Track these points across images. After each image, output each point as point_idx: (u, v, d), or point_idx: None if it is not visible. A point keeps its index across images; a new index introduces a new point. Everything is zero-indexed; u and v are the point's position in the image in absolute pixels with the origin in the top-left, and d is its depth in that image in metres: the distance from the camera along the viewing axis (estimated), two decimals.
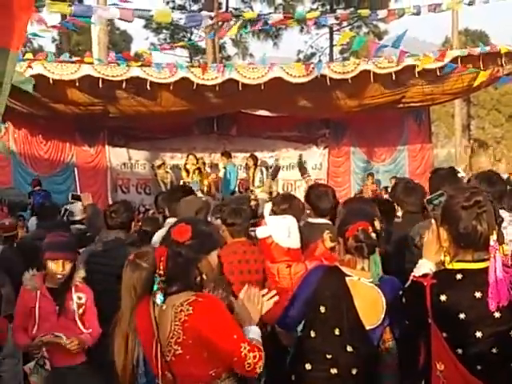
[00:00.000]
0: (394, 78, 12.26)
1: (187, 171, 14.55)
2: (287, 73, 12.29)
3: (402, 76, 12.49)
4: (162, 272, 2.93)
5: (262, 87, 12.12)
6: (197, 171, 14.47)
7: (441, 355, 2.85)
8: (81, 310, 4.64)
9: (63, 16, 9.88)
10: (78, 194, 8.11)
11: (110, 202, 14.09)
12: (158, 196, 7.22)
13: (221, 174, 15.40)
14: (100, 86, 11.72)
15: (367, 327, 3.45)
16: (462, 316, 2.75)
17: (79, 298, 4.64)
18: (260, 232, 4.56)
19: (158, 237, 5.34)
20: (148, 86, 11.94)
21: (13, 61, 5.08)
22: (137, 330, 3.03)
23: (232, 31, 13.39)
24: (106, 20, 16.19)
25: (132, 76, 11.88)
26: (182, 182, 14.17)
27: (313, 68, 12.26)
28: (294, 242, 4.48)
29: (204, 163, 15.32)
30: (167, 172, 14.92)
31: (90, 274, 5.01)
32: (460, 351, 2.77)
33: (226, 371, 2.97)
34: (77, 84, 11.74)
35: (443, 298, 2.79)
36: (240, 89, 12.17)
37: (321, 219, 5.21)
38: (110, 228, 5.40)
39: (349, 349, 3.44)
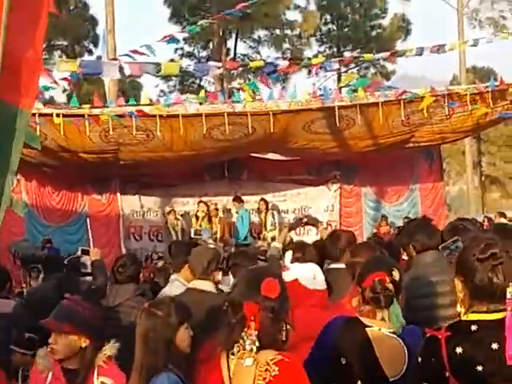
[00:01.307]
0: (403, 118, 12.31)
1: (197, 218, 14.58)
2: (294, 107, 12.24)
3: (411, 116, 12.53)
4: (255, 330, 2.81)
5: (272, 129, 12.10)
6: (206, 218, 14.48)
7: None
8: None
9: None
10: (87, 248, 8.10)
11: (123, 250, 14.14)
12: (170, 246, 7.24)
13: (234, 219, 15.44)
14: (110, 128, 11.65)
15: (390, 379, 3.37)
16: (479, 368, 2.67)
17: None
18: (285, 275, 4.49)
19: (165, 292, 5.34)
20: (158, 132, 11.91)
21: (25, 119, 5.16)
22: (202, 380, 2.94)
23: (240, 80, 13.44)
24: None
25: (142, 120, 11.82)
26: (192, 230, 14.18)
27: (321, 95, 12.18)
28: (319, 283, 4.46)
29: (217, 209, 15.32)
30: (177, 219, 14.92)
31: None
32: None
33: None
34: (87, 128, 11.65)
35: (459, 350, 2.71)
36: (250, 131, 12.19)
37: (337, 264, 5.21)
38: (118, 282, 5.46)
39: None
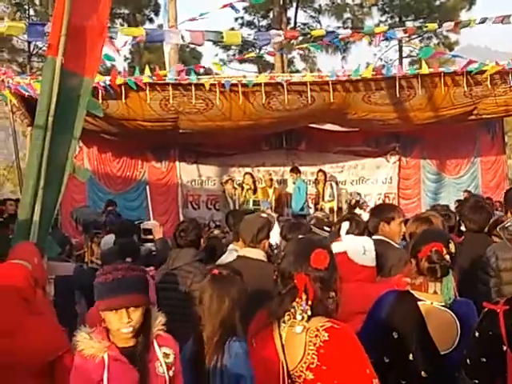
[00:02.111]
0: (465, 90, 12.08)
1: (242, 189, 14.65)
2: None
3: (474, 89, 12.27)
4: (307, 300, 2.91)
5: (331, 99, 12.04)
6: (250, 190, 14.53)
7: None
8: (171, 373, 3.28)
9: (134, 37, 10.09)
10: (149, 227, 8.24)
11: (181, 218, 14.30)
12: (227, 215, 7.34)
13: (290, 190, 15.46)
14: (170, 97, 11.76)
15: (442, 352, 3.38)
16: None
17: (166, 356, 3.26)
18: (335, 246, 4.50)
19: (222, 261, 5.41)
20: (217, 101, 11.99)
21: (88, 87, 5.27)
22: (253, 356, 3.03)
23: (301, 46, 13.34)
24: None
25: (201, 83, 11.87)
26: (251, 200, 14.26)
27: (382, 66, 12.01)
28: (368, 259, 4.44)
29: (271, 179, 15.37)
30: (235, 188, 15.01)
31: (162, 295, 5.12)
32: None
33: None
34: (148, 97, 11.78)
35: None
36: (309, 101, 12.13)
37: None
38: (179, 246, 5.54)
39: (423, 374, 3.37)
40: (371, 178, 16.31)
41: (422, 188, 16.49)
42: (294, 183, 15.15)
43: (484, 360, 2.92)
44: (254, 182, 14.81)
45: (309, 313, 2.90)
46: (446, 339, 3.38)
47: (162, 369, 3.20)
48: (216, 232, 9.79)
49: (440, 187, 16.39)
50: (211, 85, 11.57)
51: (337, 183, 15.84)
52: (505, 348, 2.80)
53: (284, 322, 2.97)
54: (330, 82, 11.92)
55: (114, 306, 3.17)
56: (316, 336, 2.85)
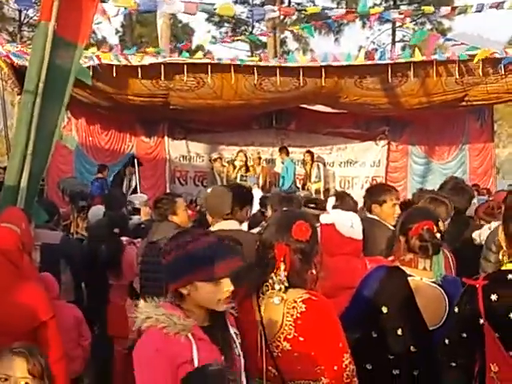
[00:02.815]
0: (457, 77, 12.10)
1: (234, 167, 14.64)
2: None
3: (465, 75, 12.29)
4: (285, 271, 2.89)
5: (323, 82, 12.06)
6: (243, 168, 14.54)
7: (495, 357, 2.85)
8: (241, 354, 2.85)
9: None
10: (139, 207, 8.25)
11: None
12: None
13: (278, 169, 15.46)
14: (162, 74, 11.77)
15: (430, 328, 3.41)
16: None
17: (237, 337, 2.82)
18: (323, 218, 4.48)
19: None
20: (209, 79, 12.01)
21: (79, 53, 5.23)
22: (238, 321, 2.92)
23: (294, 26, 13.33)
24: (169, 13, 16.33)
25: (194, 62, 11.92)
26: (238, 175, 14.29)
27: (374, 50, 12.08)
28: (356, 232, 4.44)
29: (259, 157, 15.37)
30: (223, 166, 15.02)
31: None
32: None
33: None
34: (139, 74, 11.80)
35: (494, 297, 2.82)
36: (301, 84, 12.13)
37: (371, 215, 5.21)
38: (159, 220, 5.53)
39: (412, 349, 3.41)
40: (359, 161, 16.33)
41: (409, 172, 16.53)
42: (283, 163, 15.15)
43: (464, 335, 2.97)
44: (247, 161, 14.79)
45: (286, 283, 2.89)
46: (435, 315, 3.41)
47: (237, 351, 2.78)
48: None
49: (427, 172, 16.45)
50: (202, 64, 11.60)
51: (324, 164, 15.86)
52: (481, 321, 2.85)
53: (263, 292, 2.98)
54: (323, 68, 11.94)
55: (230, 268, 2.64)
56: (293, 307, 2.87)
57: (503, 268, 2.92)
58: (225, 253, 2.66)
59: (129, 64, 11.59)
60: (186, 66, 11.69)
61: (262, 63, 12.00)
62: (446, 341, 3.08)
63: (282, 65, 11.95)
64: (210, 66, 11.78)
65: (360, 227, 4.48)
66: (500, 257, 3.04)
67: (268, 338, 2.91)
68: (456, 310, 3.02)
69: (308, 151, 15.42)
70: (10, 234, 3.72)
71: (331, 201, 5.35)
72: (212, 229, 4.89)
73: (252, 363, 2.88)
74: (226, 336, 2.76)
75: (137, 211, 8.19)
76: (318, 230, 3.23)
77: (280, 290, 2.90)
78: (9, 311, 3.42)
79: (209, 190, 5.35)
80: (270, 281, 2.93)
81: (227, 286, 2.63)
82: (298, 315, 2.85)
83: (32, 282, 3.73)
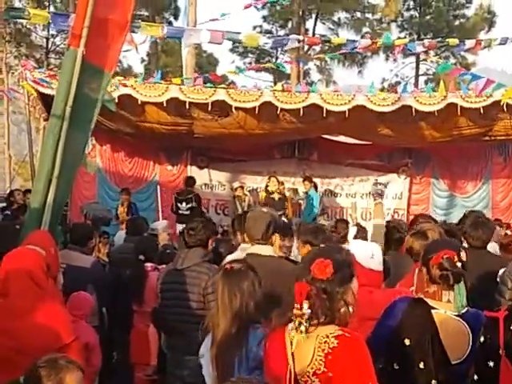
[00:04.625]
0: (481, 112, 12.08)
1: (268, 193, 14.60)
2: (371, 101, 12.26)
3: (489, 111, 12.27)
4: (300, 308, 2.88)
5: (346, 114, 12.14)
6: (277, 193, 14.49)
7: None
8: None
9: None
10: (156, 233, 8.31)
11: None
12: (234, 219, 7.34)
13: (298, 199, 15.43)
14: (186, 108, 12.02)
15: (453, 362, 3.35)
16: None
17: None
18: None
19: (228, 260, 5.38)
20: (233, 110, 12.17)
21: (106, 80, 5.31)
22: (265, 355, 3.02)
23: (319, 57, 13.41)
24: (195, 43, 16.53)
25: (218, 99, 12.11)
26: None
27: (398, 98, 12.18)
28: (376, 264, 4.42)
29: (281, 187, 15.35)
30: (245, 194, 15.03)
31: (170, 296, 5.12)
32: None
33: None
34: (164, 105, 12.07)
35: None
36: (324, 115, 12.20)
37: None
38: (188, 246, 5.35)
39: (433, 383, 3.36)
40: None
41: (431, 205, 16.44)
42: (306, 193, 15.10)
43: (491, 365, 2.94)
44: (279, 186, 14.72)
45: (305, 323, 2.87)
46: (458, 349, 3.36)
47: None
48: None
49: (449, 206, 16.33)
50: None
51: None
52: (501, 352, 2.83)
53: (293, 326, 2.95)
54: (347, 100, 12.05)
55: None
56: (325, 342, 2.84)
57: None
58: None
59: (152, 98, 11.84)
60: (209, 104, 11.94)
61: (283, 105, 12.10)
62: (475, 377, 3.05)
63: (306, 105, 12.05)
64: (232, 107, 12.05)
65: (381, 258, 4.47)
66: None
67: (297, 371, 2.88)
68: (482, 339, 3.00)
69: (307, 178, 15.39)
70: (36, 256, 3.77)
71: (353, 231, 5.35)
72: (247, 251, 4.95)
73: None
74: None
75: (155, 237, 8.22)
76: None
77: (300, 325, 2.88)
78: (31, 332, 3.44)
79: (250, 214, 5.35)
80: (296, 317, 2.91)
81: None
82: (329, 350, 2.82)
83: (56, 304, 3.76)
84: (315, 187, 15.07)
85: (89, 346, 5.11)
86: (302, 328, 2.86)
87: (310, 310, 2.86)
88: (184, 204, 13.89)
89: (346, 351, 2.80)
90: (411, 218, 15.42)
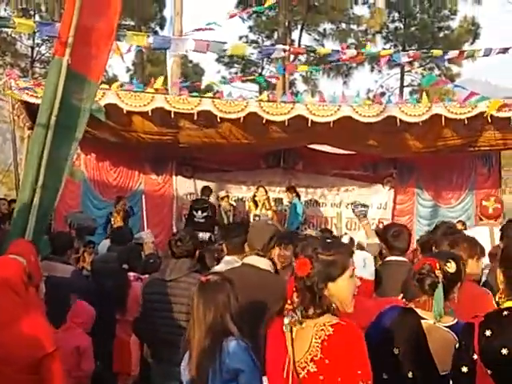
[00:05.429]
0: (466, 123, 12.16)
1: (256, 203, 14.63)
2: (357, 112, 12.30)
3: (474, 122, 12.34)
4: (290, 301, 3.14)
5: (331, 125, 12.17)
6: (267, 203, 14.53)
7: None
8: None
9: (138, 45, 10.17)
10: (141, 242, 8.31)
11: (175, 231, 14.29)
12: (225, 228, 7.36)
13: (284, 209, 15.46)
14: (172, 117, 12.03)
15: (441, 372, 3.37)
16: (504, 351, 2.78)
17: None
18: None
19: (220, 269, 5.38)
20: (218, 119, 12.18)
21: (93, 90, 5.29)
22: (266, 346, 3.23)
23: (303, 68, 13.45)
24: (181, 53, 16.55)
25: (203, 109, 12.12)
26: (251, 215, 14.29)
27: (383, 109, 12.24)
28: (368, 273, 4.46)
29: (268, 197, 15.37)
30: (231, 204, 15.04)
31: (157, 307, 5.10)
32: None
33: None
34: (149, 115, 12.07)
35: (488, 332, 2.86)
36: (309, 125, 12.23)
37: (398, 257, 5.22)
38: (175, 256, 5.33)
39: None
40: (366, 203, 16.24)
41: (416, 215, 16.50)
42: (290, 202, 15.14)
43: (464, 370, 2.98)
44: (267, 196, 14.80)
45: (296, 315, 3.10)
46: (447, 360, 3.32)
47: None
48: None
49: (434, 216, 16.37)
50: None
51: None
52: (475, 357, 2.90)
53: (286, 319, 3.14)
54: (333, 111, 12.10)
55: None
56: (322, 330, 3.03)
57: (502, 307, 2.97)
58: None
59: (137, 110, 11.87)
60: (195, 114, 11.99)
61: (269, 116, 12.13)
62: (451, 382, 3.09)
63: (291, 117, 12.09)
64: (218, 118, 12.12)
65: (372, 267, 4.50)
66: (497, 299, 3.13)
67: (296, 358, 3.05)
68: (457, 345, 3.06)
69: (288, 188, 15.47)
70: (17, 266, 3.76)
71: (345, 239, 5.38)
72: (244, 260, 5.02)
73: (278, 383, 3.09)
74: None
75: (140, 246, 8.21)
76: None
77: (292, 318, 3.10)
78: (11, 341, 3.43)
79: (255, 223, 5.42)
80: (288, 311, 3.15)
81: None
82: (325, 337, 2.99)
83: (37, 313, 3.74)
84: (298, 197, 15.12)
85: (80, 350, 5.16)
86: (293, 320, 3.09)
87: (297, 305, 3.12)
88: (200, 212, 14.13)
89: (341, 339, 2.97)
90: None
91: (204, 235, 10.02)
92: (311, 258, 3.18)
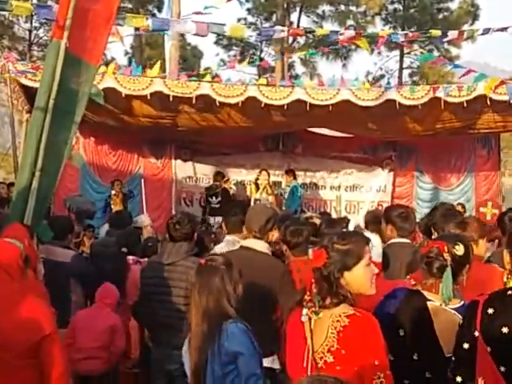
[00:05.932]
0: (465, 106, 12.12)
1: (257, 186, 14.61)
2: (356, 95, 12.26)
3: (473, 104, 12.30)
4: (308, 292, 3.22)
5: (330, 108, 12.13)
6: (268, 187, 14.52)
7: (484, 371, 2.90)
8: None
9: (137, 29, 10.09)
10: (140, 225, 8.31)
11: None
12: (225, 206, 7.34)
13: (281, 193, 15.46)
14: (170, 101, 11.99)
15: (447, 354, 3.36)
16: (505, 330, 2.83)
17: None
18: None
19: (220, 249, 5.40)
20: (217, 103, 12.14)
21: (91, 73, 5.25)
22: (286, 335, 3.31)
23: (302, 50, 13.36)
24: (179, 35, 16.45)
25: (202, 93, 12.07)
26: (252, 198, 14.28)
27: (382, 92, 12.20)
28: (375, 254, 4.45)
29: (269, 182, 15.34)
30: (230, 188, 15.03)
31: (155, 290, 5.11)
32: (503, 369, 2.82)
33: None
34: (148, 98, 12.02)
35: (490, 310, 2.92)
36: (308, 109, 12.20)
37: (401, 239, 5.21)
38: (173, 240, 5.29)
39: (427, 374, 3.40)
40: (365, 186, 16.32)
41: (415, 198, 16.51)
42: (289, 186, 15.12)
43: (466, 347, 3.00)
44: (269, 180, 14.80)
45: (314, 306, 3.17)
46: (453, 341, 3.33)
47: None
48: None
49: (433, 198, 16.37)
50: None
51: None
52: (477, 334, 2.94)
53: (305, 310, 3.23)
54: (332, 95, 12.08)
55: None
56: (338, 321, 3.11)
57: (507, 286, 3.00)
58: None
59: (136, 93, 11.85)
60: (194, 98, 11.98)
61: (268, 100, 12.08)
62: (453, 358, 3.12)
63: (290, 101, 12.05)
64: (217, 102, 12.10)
65: (380, 249, 4.51)
66: (505, 279, 3.14)
67: (314, 348, 3.13)
68: (460, 322, 3.08)
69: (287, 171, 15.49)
70: (11, 248, 3.75)
71: (352, 223, 5.38)
72: (242, 243, 5.08)
73: (297, 373, 3.12)
74: None
75: (139, 230, 8.20)
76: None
77: (311, 308, 3.18)
78: (9, 327, 3.42)
79: (254, 206, 5.43)
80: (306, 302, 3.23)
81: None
82: (341, 328, 3.08)
83: (34, 296, 3.72)
84: (295, 179, 15.13)
85: (113, 329, 5.37)
86: (311, 310, 3.17)
87: (314, 295, 3.18)
88: (214, 198, 14.55)
89: (357, 329, 3.05)
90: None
91: (220, 219, 10.14)
92: (327, 248, 3.25)
